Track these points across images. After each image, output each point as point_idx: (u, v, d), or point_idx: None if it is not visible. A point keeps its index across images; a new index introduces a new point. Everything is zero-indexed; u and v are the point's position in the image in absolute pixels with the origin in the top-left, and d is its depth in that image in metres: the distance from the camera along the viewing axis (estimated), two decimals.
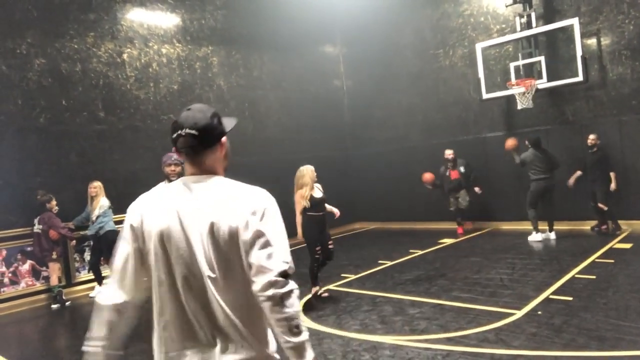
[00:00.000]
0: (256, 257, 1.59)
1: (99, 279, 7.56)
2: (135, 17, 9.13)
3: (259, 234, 1.61)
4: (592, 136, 8.34)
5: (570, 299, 5.18)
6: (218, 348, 1.63)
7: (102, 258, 7.67)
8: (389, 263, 7.89)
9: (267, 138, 11.29)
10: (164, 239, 1.66)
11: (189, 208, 1.68)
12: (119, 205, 8.15)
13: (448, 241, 9.37)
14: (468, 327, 4.63)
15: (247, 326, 1.63)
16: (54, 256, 7.33)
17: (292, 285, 1.61)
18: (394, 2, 12.14)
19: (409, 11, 11.97)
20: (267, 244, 1.60)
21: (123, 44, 8.92)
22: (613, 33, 9.05)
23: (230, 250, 1.63)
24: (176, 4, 9.78)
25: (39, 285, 7.53)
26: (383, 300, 5.83)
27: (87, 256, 7.97)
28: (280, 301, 1.56)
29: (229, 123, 1.96)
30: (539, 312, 4.85)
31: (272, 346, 1.73)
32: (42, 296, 7.48)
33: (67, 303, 7.24)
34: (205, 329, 1.64)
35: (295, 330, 1.58)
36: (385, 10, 12.27)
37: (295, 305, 1.60)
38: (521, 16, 9.72)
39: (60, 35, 8.11)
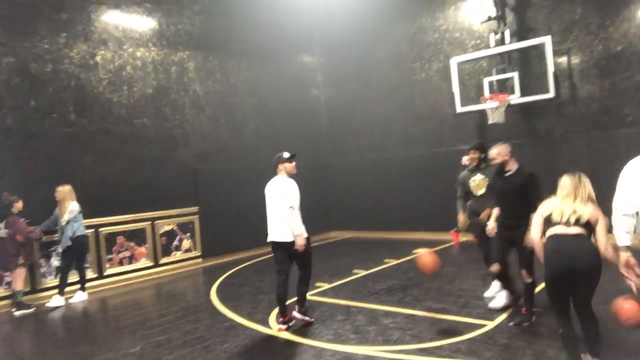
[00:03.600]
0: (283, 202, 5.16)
1: (63, 286, 7.29)
2: (110, 19, 8.97)
3: (285, 196, 5.17)
4: (493, 151, 4.90)
5: (541, 309, 5.25)
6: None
7: (72, 263, 7.45)
8: (364, 272, 7.88)
9: (243, 145, 11.21)
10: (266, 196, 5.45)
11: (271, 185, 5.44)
12: (90, 209, 7.96)
13: (422, 251, 9.40)
14: (441, 338, 4.64)
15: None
16: (21, 261, 7.05)
17: (294, 212, 5.10)
18: (372, 15, 12.29)
19: (387, 24, 12.13)
20: (287, 199, 5.14)
21: (96, 46, 8.75)
22: (583, 52, 9.34)
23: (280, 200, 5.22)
24: (153, 8, 9.65)
25: (1, 291, 7.23)
26: (357, 310, 5.80)
27: (53, 261, 7.72)
28: (289, 215, 5.08)
29: (286, 155, 5.44)
30: (511, 324, 4.90)
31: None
32: (4, 302, 7.19)
33: (32, 309, 6.97)
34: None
35: (295, 226, 5.09)
36: (364, 23, 12.42)
37: (295, 216, 5.11)
38: (495, 33, 9.95)
39: (30, 34, 7.90)
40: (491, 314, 5.23)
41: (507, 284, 5.21)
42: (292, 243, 5.15)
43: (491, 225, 5.04)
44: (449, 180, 10.78)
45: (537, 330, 4.63)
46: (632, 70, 8.82)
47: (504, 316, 5.13)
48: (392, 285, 6.93)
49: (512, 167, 4.86)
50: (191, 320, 5.87)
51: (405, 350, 4.40)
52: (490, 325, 4.89)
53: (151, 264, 9.15)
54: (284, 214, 5.13)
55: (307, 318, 5.39)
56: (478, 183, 5.69)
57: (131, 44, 9.26)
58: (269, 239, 5.37)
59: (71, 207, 7.31)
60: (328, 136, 13.38)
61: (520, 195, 4.71)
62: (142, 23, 9.48)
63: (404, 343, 4.58)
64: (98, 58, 8.76)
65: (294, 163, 5.45)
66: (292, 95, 12.59)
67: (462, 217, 5.98)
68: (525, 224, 4.47)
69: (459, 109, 10.26)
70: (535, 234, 3.89)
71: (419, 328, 4.98)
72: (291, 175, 5.40)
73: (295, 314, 5.42)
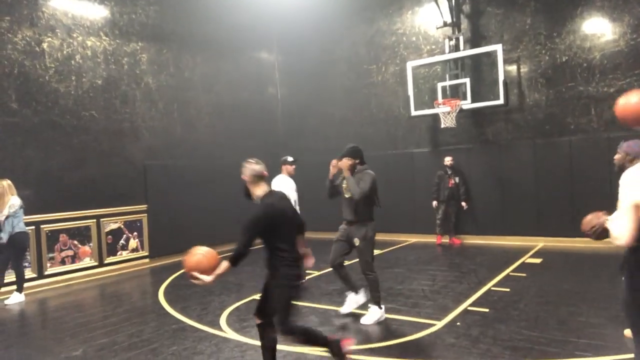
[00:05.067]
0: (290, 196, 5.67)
1: None
2: (59, 4, 8.55)
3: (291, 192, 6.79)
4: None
5: (487, 310, 5.42)
6: None
7: (9, 262, 7.01)
8: (317, 273, 7.88)
9: (196, 141, 10.96)
10: None
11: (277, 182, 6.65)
12: (31, 205, 7.57)
13: (375, 252, 9.52)
14: (391, 338, 4.70)
15: None
16: None
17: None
18: (331, 15, 12.33)
19: (345, 25, 12.20)
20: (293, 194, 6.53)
21: (43, 32, 8.32)
22: (531, 61, 9.72)
23: None
24: None
25: None
26: (309, 310, 5.79)
27: None
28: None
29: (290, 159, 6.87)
30: (458, 323, 5.03)
31: None
32: None
33: None
34: None
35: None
36: (322, 22, 12.43)
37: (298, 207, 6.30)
38: (450, 39, 10.21)
39: None
40: (439, 314, 5.35)
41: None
42: None
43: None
44: (403, 182, 11.05)
45: (483, 331, 4.77)
46: (575, 80, 9.27)
47: (451, 316, 5.25)
48: (344, 286, 6.94)
49: (258, 193, 3.55)
50: (137, 322, 5.67)
51: (356, 350, 4.42)
52: (438, 325, 4.99)
53: (95, 263, 8.79)
54: None
55: None
56: (345, 185, 5.24)
57: (81, 32, 8.86)
58: None
59: (12, 202, 6.90)
60: (284, 135, 13.32)
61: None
62: (93, 11, 9.09)
63: (355, 343, 4.60)
64: (45, 45, 8.33)
65: (294, 166, 6.98)
66: (248, 92, 12.44)
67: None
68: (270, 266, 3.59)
69: (413, 112, 10.46)
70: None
71: (370, 328, 5.02)
72: (290, 176, 6.91)
73: None
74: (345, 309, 5.56)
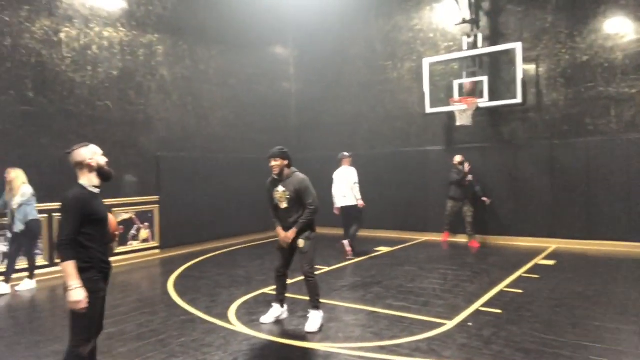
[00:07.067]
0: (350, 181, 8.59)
1: (10, 273, 6.91)
2: None
3: (352, 178, 8.78)
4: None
5: (499, 311, 5.33)
6: None
7: (22, 249, 7.07)
8: (326, 269, 7.83)
9: (210, 134, 10.97)
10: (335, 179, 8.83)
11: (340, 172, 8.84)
12: (44, 193, 7.60)
13: (384, 249, 9.48)
14: (401, 336, 4.63)
15: None
16: None
17: (357, 186, 8.63)
18: (347, 10, 12.24)
19: (361, 20, 12.11)
20: (354, 179, 8.75)
21: (61, 22, 8.35)
22: (551, 60, 9.55)
23: None
24: None
25: None
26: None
27: (0, 247, 7.32)
28: (355, 188, 8.67)
29: (347, 154, 8.95)
30: (470, 324, 4.95)
31: None
32: None
33: None
34: None
35: (357, 195, 8.73)
36: (339, 18, 12.36)
37: (358, 189, 8.67)
38: (468, 36, 10.07)
39: None
40: (450, 313, 5.27)
41: None
42: (355, 206, 8.63)
43: None
44: (416, 179, 10.95)
45: (495, 332, 4.68)
46: (595, 81, 9.08)
47: (463, 316, 5.17)
48: (354, 282, 6.91)
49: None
50: (146, 312, 5.68)
51: (366, 347, 4.37)
52: (449, 324, 4.92)
53: None
54: (350, 188, 8.54)
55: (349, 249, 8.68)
56: (280, 195, 5.02)
57: (98, 23, 8.89)
58: (340, 205, 8.75)
59: (24, 190, 6.94)
60: (297, 130, 13.28)
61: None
62: (111, 2, 9.11)
63: (365, 340, 4.55)
64: (62, 35, 8.36)
65: (351, 158, 8.90)
66: (263, 86, 12.41)
67: (279, 231, 5.08)
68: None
69: (428, 109, 10.35)
70: None
71: (380, 326, 4.96)
72: (350, 165, 8.82)
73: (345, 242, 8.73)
74: (267, 318, 5.21)
